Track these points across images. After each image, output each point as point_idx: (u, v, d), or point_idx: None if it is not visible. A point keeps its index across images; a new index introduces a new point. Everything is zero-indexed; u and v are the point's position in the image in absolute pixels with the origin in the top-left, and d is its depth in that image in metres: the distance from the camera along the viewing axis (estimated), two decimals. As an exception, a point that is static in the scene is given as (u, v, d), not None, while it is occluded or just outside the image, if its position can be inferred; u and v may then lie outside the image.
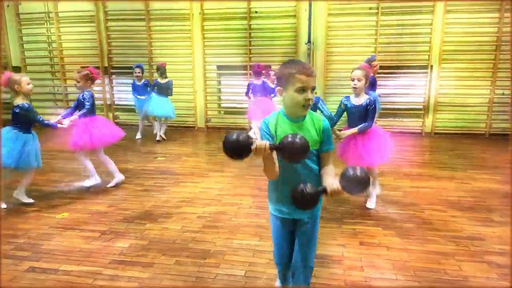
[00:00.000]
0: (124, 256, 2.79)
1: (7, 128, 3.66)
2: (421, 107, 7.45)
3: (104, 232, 3.20)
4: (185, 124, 8.20)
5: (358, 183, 1.58)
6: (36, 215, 3.59)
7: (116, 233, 3.18)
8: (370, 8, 7.18)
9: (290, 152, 1.52)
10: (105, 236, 3.12)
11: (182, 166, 5.36)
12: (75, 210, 3.70)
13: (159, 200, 3.98)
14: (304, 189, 1.57)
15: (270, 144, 1.52)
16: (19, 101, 3.64)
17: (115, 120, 8.62)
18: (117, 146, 6.06)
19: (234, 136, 1.51)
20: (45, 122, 3.76)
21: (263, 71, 6.39)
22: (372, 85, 4.60)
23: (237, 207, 3.76)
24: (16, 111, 3.61)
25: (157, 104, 6.74)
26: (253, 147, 1.50)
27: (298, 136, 1.52)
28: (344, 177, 1.59)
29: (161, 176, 4.81)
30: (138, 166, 5.29)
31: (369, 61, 5.00)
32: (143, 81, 6.94)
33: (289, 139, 1.51)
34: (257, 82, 6.41)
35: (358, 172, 1.58)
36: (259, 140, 1.54)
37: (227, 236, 3.13)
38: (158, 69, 6.80)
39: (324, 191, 1.61)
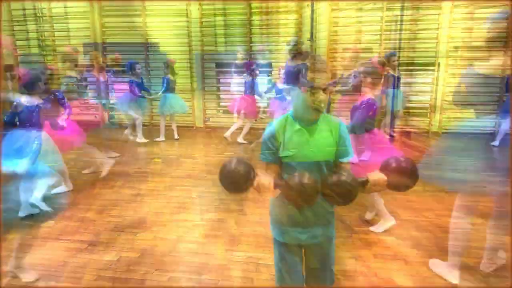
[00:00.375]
0: (113, 272, 2.51)
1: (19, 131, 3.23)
2: (427, 105, 7.19)
3: (91, 242, 2.92)
4: (183, 123, 7.91)
5: (408, 175, 1.32)
6: (19, 223, 3.29)
7: (105, 244, 2.90)
8: (375, 4, 6.91)
9: (297, 195, 1.26)
10: (92, 248, 2.84)
11: (180, 168, 5.07)
12: (61, 217, 3.41)
13: (153, 206, 3.70)
14: (340, 178, 1.29)
15: (275, 182, 1.28)
16: (36, 99, 3.39)
17: (110, 120, 8.33)
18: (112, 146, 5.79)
19: (233, 166, 1.28)
20: (60, 123, 3.75)
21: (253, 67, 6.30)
22: (392, 81, 4.32)
23: (238, 214, 3.48)
24: (38, 109, 3.33)
25: (174, 102, 6.63)
26: (255, 184, 1.27)
27: (307, 176, 1.27)
28: (389, 168, 1.32)
29: (157, 179, 4.52)
30: (132, 168, 5.00)
31: (388, 57, 4.72)
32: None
33: (296, 180, 1.26)
34: (248, 79, 6.27)
35: (405, 163, 1.33)
36: (262, 176, 1.30)
37: (227, 247, 2.85)
38: (167, 66, 6.56)
39: (364, 183, 1.32)
